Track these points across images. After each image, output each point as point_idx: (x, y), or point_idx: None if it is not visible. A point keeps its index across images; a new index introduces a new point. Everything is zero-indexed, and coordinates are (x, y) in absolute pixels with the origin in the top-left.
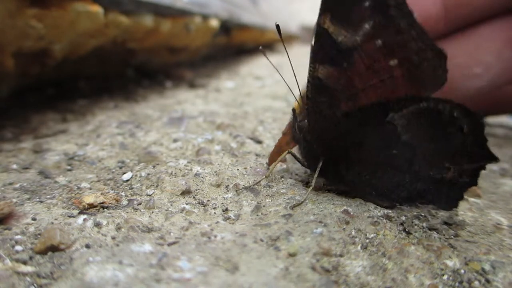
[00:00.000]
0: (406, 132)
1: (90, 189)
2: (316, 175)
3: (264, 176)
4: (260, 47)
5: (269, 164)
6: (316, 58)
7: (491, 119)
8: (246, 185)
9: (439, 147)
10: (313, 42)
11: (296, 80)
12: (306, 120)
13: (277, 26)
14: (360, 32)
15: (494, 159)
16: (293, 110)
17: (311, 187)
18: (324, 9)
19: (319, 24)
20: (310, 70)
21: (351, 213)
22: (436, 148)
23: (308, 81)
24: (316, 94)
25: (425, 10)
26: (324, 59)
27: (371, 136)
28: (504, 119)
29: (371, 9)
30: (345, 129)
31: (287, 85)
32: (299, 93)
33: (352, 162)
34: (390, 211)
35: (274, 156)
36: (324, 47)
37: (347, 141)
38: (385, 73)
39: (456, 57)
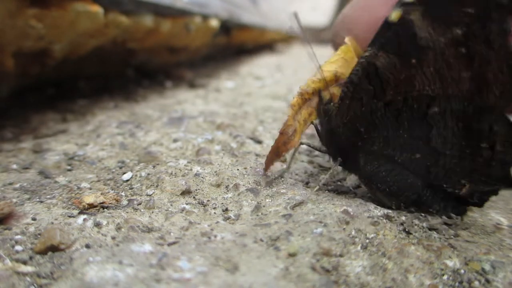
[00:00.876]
0: (439, 137)
1: (90, 189)
2: (334, 166)
3: (286, 167)
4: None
5: (266, 165)
6: (382, 45)
7: None
8: (269, 179)
9: (462, 162)
10: (380, 29)
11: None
12: (332, 103)
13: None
14: (448, 34)
15: (510, 186)
16: (319, 91)
17: (325, 177)
18: (420, 2)
19: (405, 14)
20: (367, 55)
21: (351, 213)
22: (459, 162)
23: (359, 66)
24: (365, 80)
25: None
26: (393, 48)
27: (403, 133)
28: None
29: (471, 17)
30: (380, 121)
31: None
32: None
33: (373, 155)
34: (390, 211)
35: (271, 157)
36: (399, 37)
37: (376, 133)
38: (451, 82)
39: None
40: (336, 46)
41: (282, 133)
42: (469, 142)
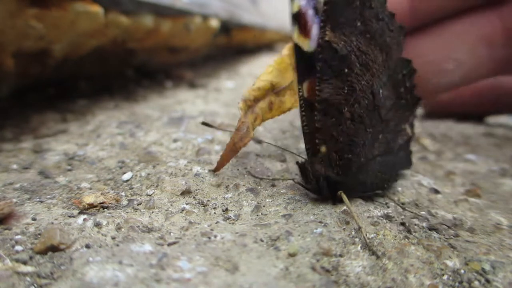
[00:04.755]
0: (385, 109)
1: (90, 189)
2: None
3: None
4: None
5: (220, 164)
6: (321, 78)
7: (491, 119)
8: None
9: (398, 113)
10: (296, 67)
11: None
12: (317, 164)
13: None
14: (354, 31)
15: (417, 100)
16: (298, 163)
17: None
18: (325, 21)
19: (321, 39)
20: (317, 95)
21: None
22: (397, 114)
23: (318, 111)
24: (325, 119)
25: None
26: (329, 74)
27: (369, 129)
28: (504, 119)
29: (360, 5)
30: (354, 133)
31: None
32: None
33: (366, 168)
34: (390, 211)
35: (228, 154)
36: (327, 61)
37: (359, 148)
38: (373, 64)
39: (427, 54)
40: None
41: (238, 129)
42: (396, 95)
